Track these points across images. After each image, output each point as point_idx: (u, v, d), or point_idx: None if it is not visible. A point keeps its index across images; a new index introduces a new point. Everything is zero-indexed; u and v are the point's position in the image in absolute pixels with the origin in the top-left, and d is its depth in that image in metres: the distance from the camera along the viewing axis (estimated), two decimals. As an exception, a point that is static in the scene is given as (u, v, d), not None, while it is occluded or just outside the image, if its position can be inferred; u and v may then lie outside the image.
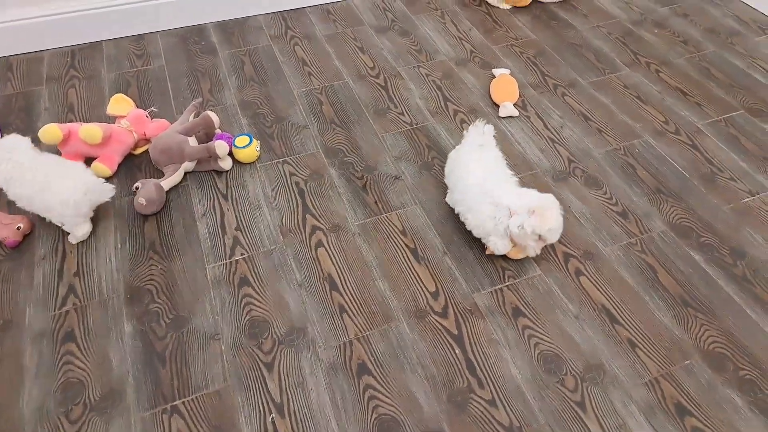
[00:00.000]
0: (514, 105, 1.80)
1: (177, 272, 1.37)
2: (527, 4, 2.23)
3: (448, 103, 1.83)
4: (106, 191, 1.39)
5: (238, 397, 1.17)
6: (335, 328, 1.28)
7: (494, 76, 1.88)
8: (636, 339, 1.27)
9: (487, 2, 2.26)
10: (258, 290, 1.34)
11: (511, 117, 1.78)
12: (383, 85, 1.89)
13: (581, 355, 1.24)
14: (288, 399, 1.17)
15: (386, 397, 1.17)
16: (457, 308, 1.32)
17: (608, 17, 2.21)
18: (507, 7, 2.24)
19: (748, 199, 1.56)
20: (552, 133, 1.74)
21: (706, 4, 2.28)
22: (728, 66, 1.98)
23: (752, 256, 1.42)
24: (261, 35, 2.08)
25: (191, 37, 2.06)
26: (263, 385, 1.19)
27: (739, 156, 1.67)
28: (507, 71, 1.89)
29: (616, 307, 1.33)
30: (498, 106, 1.80)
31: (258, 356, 1.23)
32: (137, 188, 1.47)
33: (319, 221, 1.49)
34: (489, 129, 1.48)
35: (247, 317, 1.29)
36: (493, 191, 1.33)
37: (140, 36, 2.06)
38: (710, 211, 1.53)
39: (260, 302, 1.32)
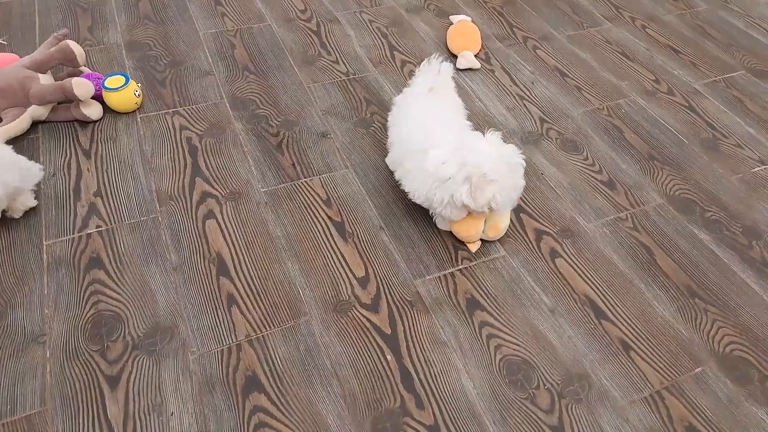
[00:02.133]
0: (476, 56, 1.47)
1: (1, 250, 0.97)
2: (492, -47, 1.92)
3: (394, 52, 1.49)
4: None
5: (58, 427, 0.78)
6: (218, 326, 0.91)
7: (452, 23, 1.55)
8: (630, 339, 0.94)
9: (445, -50, 1.94)
10: (113, 275, 0.95)
11: (471, 69, 1.45)
12: (315, 30, 1.54)
13: (558, 361, 0.90)
14: (135, 429, 0.79)
15: (283, 424, 0.80)
16: (392, 299, 0.96)
17: (585, -29, 1.91)
18: (469, -45, 1.92)
19: (759, 169, 1.26)
20: (521, 89, 1.41)
21: (692, -37, 2.01)
22: (725, 24, 1.70)
23: (772, 235, 1.12)
24: (168, -29, 1.70)
25: (78, -30, 1.67)
26: (100, 408, 0.80)
27: (745, 120, 1.38)
28: (467, 18, 1.56)
29: (603, 298, 0.99)
30: (456, 57, 1.47)
31: (99, 367, 0.84)
32: (-39, 138, 1.07)
33: (212, 186, 1.11)
34: (446, 68, 1.13)
35: (92, 312, 0.90)
36: (434, 146, 0.98)
37: (11, -35, 1.66)
38: (715, 181, 1.22)
39: (114, 291, 0.93)
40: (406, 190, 1.04)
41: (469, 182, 0.93)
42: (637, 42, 1.60)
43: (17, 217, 1.01)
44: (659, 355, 0.92)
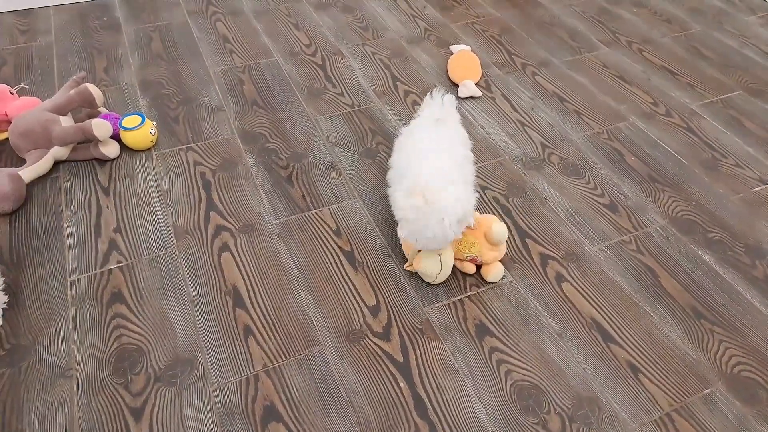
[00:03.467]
0: (476, 85, 1.51)
1: (26, 287, 1.01)
2: (490, -18, 1.98)
3: (397, 83, 1.53)
4: None
5: (85, 463, 0.81)
6: (236, 357, 0.93)
7: (452, 53, 1.60)
8: (638, 362, 0.96)
9: (445, -19, 2.01)
10: (134, 309, 0.99)
11: (472, 97, 1.49)
12: (320, 63, 1.59)
13: (568, 385, 0.92)
14: (158, 462, 0.81)
15: (300, 454, 0.83)
16: (403, 327, 0.99)
17: (581, -3, 1.97)
18: (467, -15, 1.98)
19: (759, 188, 1.28)
20: (521, 115, 1.45)
21: (686, -15, 2.07)
22: (719, 45, 1.74)
23: (774, 254, 1.14)
24: (176, 11, 1.77)
25: (92, 13, 1.73)
26: (124, 442, 0.83)
27: (743, 140, 1.41)
28: (467, 47, 1.61)
29: (610, 321, 1.02)
30: (457, 86, 1.51)
31: (124, 399, 0.87)
32: (-14, 180, 1.12)
33: (226, 219, 1.15)
34: (449, 100, 1.17)
35: (115, 345, 0.94)
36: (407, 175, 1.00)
37: (28, 11, 1.72)
38: (716, 202, 1.25)
39: (135, 325, 0.97)
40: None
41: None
42: (634, 65, 1.64)
43: None
44: (668, 377, 0.94)
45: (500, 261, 1.07)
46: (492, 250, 1.05)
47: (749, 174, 1.32)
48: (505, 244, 1.07)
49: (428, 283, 1.05)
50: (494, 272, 1.06)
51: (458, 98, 1.48)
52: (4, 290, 0.97)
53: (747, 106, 1.51)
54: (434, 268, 1.02)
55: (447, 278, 1.05)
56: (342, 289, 1.04)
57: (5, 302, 0.96)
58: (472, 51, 1.60)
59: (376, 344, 0.96)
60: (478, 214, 1.08)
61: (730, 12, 1.91)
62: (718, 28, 1.82)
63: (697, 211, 1.23)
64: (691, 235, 1.17)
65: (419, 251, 1.03)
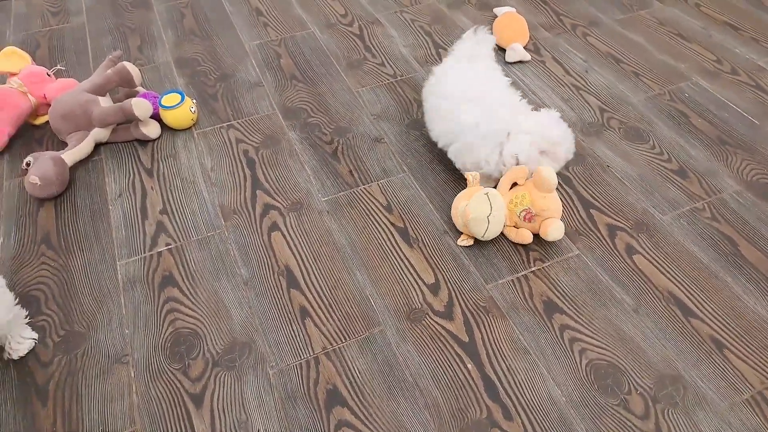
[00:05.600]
0: (525, 48, 1.43)
1: (76, 272, 0.99)
2: (531, -60, 1.86)
3: (440, 50, 1.46)
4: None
5: (149, 450, 0.79)
6: (295, 340, 0.90)
7: (496, 16, 1.51)
8: (723, 337, 0.89)
9: (482, -59, 1.90)
10: (187, 292, 0.96)
11: (521, 62, 1.40)
12: (358, 33, 1.52)
13: (648, 364, 0.86)
14: (222, 449, 0.79)
15: (368, 440, 0.79)
16: (466, 305, 0.94)
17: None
18: (507, -56, 1.87)
19: (841, 146, 1.18)
20: (575, 79, 1.36)
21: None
22: (784, -5, 1.61)
23: None
24: (208, -16, 1.71)
25: (123, -9, 1.69)
26: (187, 427, 0.80)
27: (819, 95, 1.30)
28: (512, 9, 1.51)
29: (688, 294, 0.95)
30: (504, 51, 1.43)
31: (182, 385, 0.84)
32: (28, 164, 1.09)
33: (274, 198, 1.11)
34: (487, 38, 1.11)
35: (170, 330, 0.91)
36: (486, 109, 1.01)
37: (59, -9, 1.69)
38: (795, 162, 1.15)
39: (189, 309, 0.93)
40: (459, 164, 1.07)
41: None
42: (692, 21, 1.53)
43: (22, 354, 0.87)
44: (757, 353, 0.87)
45: (563, 223, 1.00)
46: (545, 198, 0.99)
47: (829, 132, 1.21)
48: (557, 195, 1.00)
49: (489, 259, 1.00)
50: (552, 229, 0.99)
51: (507, 63, 1.40)
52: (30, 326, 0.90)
53: (821, 59, 1.39)
54: (484, 208, 0.97)
55: (500, 235, 1.01)
56: (398, 267, 0.99)
57: (34, 339, 0.90)
58: (517, 13, 1.51)
59: (438, 324, 0.91)
60: (525, 167, 1.02)
61: (794, -41, 1.77)
62: (782, -23, 1.69)
63: (775, 173, 1.14)
64: (770, 200, 1.09)
65: (468, 208, 0.98)
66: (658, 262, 0.99)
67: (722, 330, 0.90)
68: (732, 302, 0.94)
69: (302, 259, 1.00)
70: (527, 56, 1.40)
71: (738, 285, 0.96)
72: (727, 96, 1.31)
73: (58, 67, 1.32)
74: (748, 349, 0.88)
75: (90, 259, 1.01)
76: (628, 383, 0.84)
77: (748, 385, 0.84)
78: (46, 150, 1.18)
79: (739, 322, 0.91)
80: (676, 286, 0.96)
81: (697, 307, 0.93)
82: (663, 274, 0.98)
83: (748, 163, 1.16)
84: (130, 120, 1.16)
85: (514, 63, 1.40)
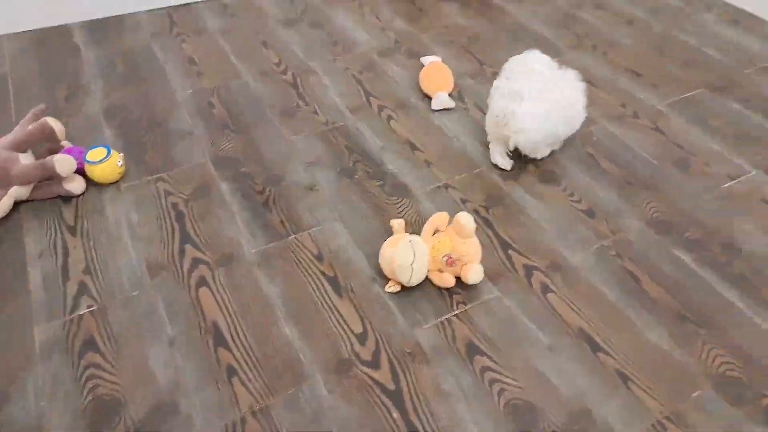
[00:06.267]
0: (449, 95, 1.51)
1: (-7, 339, 0.96)
2: (454, -10, 1.98)
3: (371, 98, 1.52)
4: None
5: None
6: (221, 399, 0.90)
7: (423, 65, 1.59)
8: (628, 371, 0.96)
9: (409, -10, 2.00)
10: (109, 356, 0.95)
11: (446, 109, 1.48)
12: (291, 82, 1.56)
13: (561, 401, 0.92)
14: None
15: (296, 496, 0.80)
16: (392, 353, 0.97)
17: (545, 1, 1.98)
18: (432, -6, 1.98)
19: (729, 184, 1.31)
20: (495, 124, 1.45)
21: (644, -15, 2.11)
22: (680, 44, 1.78)
23: (748, 251, 1.16)
24: (139, 33, 1.72)
25: (49, 39, 1.67)
26: (110, 499, 0.79)
27: (710, 137, 1.43)
28: (438, 58, 1.60)
29: (597, 330, 1.02)
30: (430, 98, 1.50)
31: (106, 454, 0.83)
32: (-57, 226, 1.06)
33: (202, 252, 1.12)
34: (536, 57, 1.32)
35: (90, 397, 0.89)
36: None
37: (-20, 40, 1.65)
38: (690, 201, 1.27)
39: (111, 374, 0.92)
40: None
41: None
42: (600, 68, 1.66)
43: None
44: (657, 384, 0.95)
45: (482, 266, 1.06)
46: (464, 243, 1.05)
47: (718, 170, 1.34)
48: (477, 239, 1.07)
49: (414, 304, 1.04)
50: (472, 273, 1.05)
51: (432, 110, 1.48)
52: None
53: (710, 103, 1.54)
54: (407, 256, 1.01)
55: (425, 280, 1.06)
56: (327, 317, 1.02)
57: None
58: (442, 62, 1.60)
59: (365, 374, 0.94)
60: (446, 214, 1.10)
61: (687, 10, 1.95)
62: (677, 26, 1.86)
63: (673, 211, 1.24)
64: (669, 237, 1.19)
65: (394, 256, 1.03)
66: (569, 300, 1.07)
67: (627, 364, 0.97)
68: (636, 336, 1.02)
69: (230, 315, 1.01)
70: (451, 104, 1.48)
71: (640, 320, 1.04)
72: (631, 139, 1.43)
73: (-23, 122, 1.29)
74: (650, 380, 0.95)
75: (4, 325, 0.98)
76: (543, 420, 0.89)
77: (650, 414, 0.91)
78: (-37, 209, 1.15)
79: (642, 355, 0.99)
80: (586, 322, 1.03)
81: (605, 343, 1.00)
82: (574, 311, 1.05)
83: (649, 202, 1.26)
84: (52, 177, 1.15)
85: (439, 110, 1.48)
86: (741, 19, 1.91)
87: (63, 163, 1.12)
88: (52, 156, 1.12)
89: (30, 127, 1.16)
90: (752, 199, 1.27)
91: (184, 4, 1.87)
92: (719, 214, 1.24)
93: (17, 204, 1.17)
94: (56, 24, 1.73)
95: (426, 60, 1.61)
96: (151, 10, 1.82)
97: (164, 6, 1.84)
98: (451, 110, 1.49)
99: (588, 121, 1.47)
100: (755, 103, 1.54)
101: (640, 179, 1.32)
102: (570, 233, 1.19)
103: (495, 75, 1.62)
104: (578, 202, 1.26)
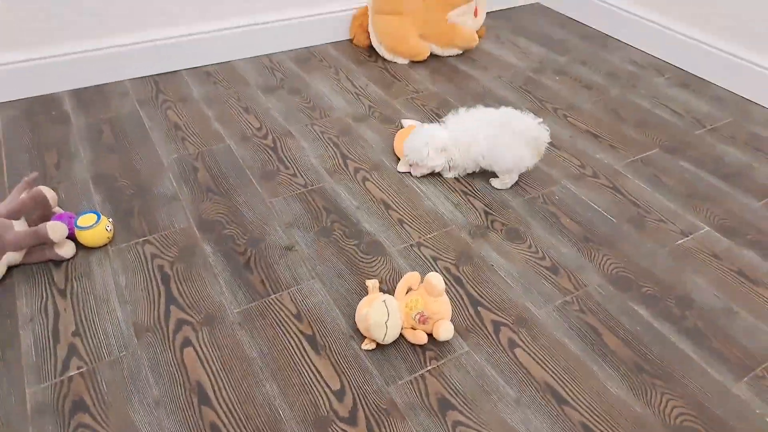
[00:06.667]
0: (419, 158, 1.61)
1: (-19, 404, 0.99)
2: (425, 58, 2.13)
3: (347, 160, 1.61)
4: None
5: None
6: (205, 458, 0.94)
7: (402, 126, 1.70)
8: (590, 422, 1.02)
9: (383, 58, 2.14)
10: (98, 417, 0.98)
11: (409, 172, 1.58)
12: (272, 145, 1.65)
13: (529, 452, 0.97)
14: None
15: None
16: (368, 409, 1.02)
17: (508, 67, 2.14)
18: (404, 61, 2.12)
19: (682, 240, 1.41)
20: (464, 185, 1.55)
21: (601, 51, 2.28)
22: (635, 107, 1.93)
23: (700, 304, 1.25)
24: (126, 101, 1.81)
25: (40, 107, 1.75)
26: None
27: (664, 195, 1.55)
28: (416, 123, 1.71)
29: (561, 384, 1.08)
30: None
31: None
32: (-66, 293, 1.10)
33: (187, 313, 1.17)
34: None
35: (79, 459, 0.92)
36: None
37: (-27, 109, 1.73)
38: (646, 257, 1.36)
39: (99, 434, 0.96)
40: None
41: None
42: (561, 130, 1.79)
43: None
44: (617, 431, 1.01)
45: (452, 324, 1.13)
46: (435, 302, 1.12)
47: (672, 228, 1.45)
48: (447, 297, 1.14)
49: (389, 360, 1.10)
50: (443, 330, 1.12)
51: (398, 172, 1.58)
52: None
53: (664, 163, 1.67)
54: (382, 314, 1.08)
55: (400, 337, 1.12)
56: (306, 375, 1.07)
57: None
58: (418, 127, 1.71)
59: (343, 430, 0.99)
60: (418, 274, 1.17)
61: (641, 75, 2.12)
62: (632, 90, 2.02)
63: (630, 267, 1.34)
64: (627, 291, 1.27)
65: (369, 315, 1.09)
66: (535, 354, 1.13)
67: (590, 415, 1.04)
68: (597, 388, 1.08)
69: (214, 375, 1.06)
70: (417, 168, 1.58)
71: (602, 372, 1.11)
72: (590, 197, 1.53)
73: (-30, 190, 1.35)
74: (610, 429, 1.01)
75: (-4, 388, 1.01)
76: (511, 473, 0.95)
77: (611, 464, 0.97)
78: (-46, 275, 1.19)
79: (604, 406, 1.05)
80: (551, 376, 1.10)
81: (569, 395, 1.07)
82: (540, 365, 1.11)
83: (608, 258, 1.36)
84: (44, 242, 1.20)
85: (404, 172, 1.57)
86: (690, 82, 2.09)
87: (55, 230, 1.17)
88: (45, 223, 1.18)
89: (23, 196, 1.22)
90: (704, 254, 1.37)
91: (170, 72, 1.97)
92: (673, 269, 1.33)
93: (10, 269, 1.21)
94: (46, 92, 1.81)
95: (405, 122, 1.72)
96: (137, 78, 1.92)
97: (150, 74, 1.94)
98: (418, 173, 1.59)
99: (550, 181, 1.58)
100: (706, 162, 1.68)
101: (599, 236, 1.41)
102: (535, 289, 1.27)
103: (465, 137, 1.73)
104: (542, 259, 1.34)
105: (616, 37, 2.39)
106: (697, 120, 1.87)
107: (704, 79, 2.11)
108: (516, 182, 1.56)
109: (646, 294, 1.27)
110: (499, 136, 1.48)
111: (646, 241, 1.41)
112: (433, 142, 1.49)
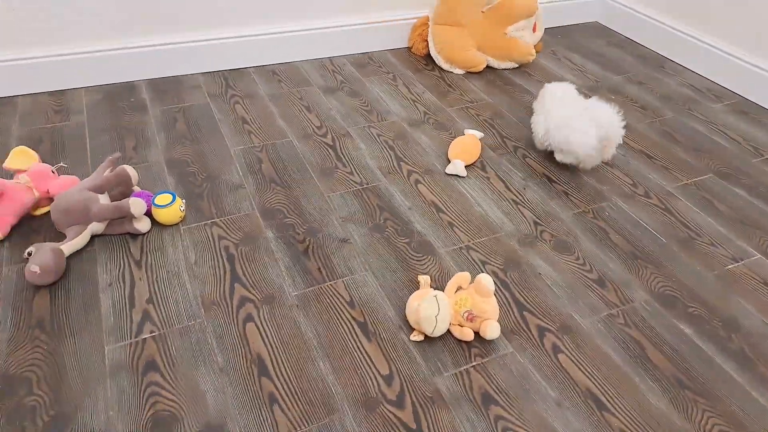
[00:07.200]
0: (472, 165, 1.66)
1: (67, 355, 1.09)
2: (481, 69, 2.18)
3: (401, 163, 1.68)
4: None
5: None
6: (262, 424, 1.01)
7: (463, 134, 1.76)
8: (629, 429, 1.05)
9: (440, 67, 2.21)
10: (168, 377, 1.07)
11: (458, 176, 1.63)
12: (331, 144, 1.74)
13: (568, 452, 1.01)
14: None
15: None
16: (415, 395, 1.08)
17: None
18: (460, 72, 2.18)
19: (732, 266, 1.42)
20: (515, 194, 1.60)
21: (658, 73, 2.29)
22: (690, 131, 1.93)
23: (747, 329, 1.26)
24: (198, 93, 1.93)
25: (120, 94, 1.88)
26: (160, 507, 0.89)
27: (716, 220, 1.56)
28: (479, 134, 1.77)
29: (603, 391, 1.11)
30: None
31: (157, 466, 0.94)
32: (30, 254, 1.21)
33: (249, 291, 1.25)
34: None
35: (151, 412, 1.01)
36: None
37: (62, 92, 1.87)
38: (694, 278, 1.38)
39: (169, 393, 1.04)
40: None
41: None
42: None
43: None
44: (656, 443, 1.03)
45: (499, 324, 1.18)
46: (484, 302, 1.17)
47: (722, 252, 1.45)
48: (495, 299, 1.19)
49: (436, 353, 1.15)
50: (490, 329, 1.16)
51: (445, 173, 1.64)
52: None
53: (717, 188, 1.67)
54: (432, 308, 1.13)
55: (446, 332, 1.17)
56: (357, 358, 1.14)
57: None
58: (480, 138, 1.76)
59: (390, 412, 1.05)
60: (468, 273, 1.23)
61: (698, 100, 2.12)
62: (688, 114, 2.02)
63: (677, 286, 1.35)
64: (673, 310, 1.29)
65: (420, 308, 1.15)
66: (578, 361, 1.17)
67: (630, 424, 1.06)
68: (639, 399, 1.11)
69: (272, 350, 1.13)
70: (463, 173, 1.63)
71: (644, 384, 1.13)
72: (640, 216, 1.55)
73: (61, 164, 1.47)
74: (650, 440, 1.04)
75: (80, 344, 1.11)
76: (550, 469, 0.98)
77: (649, 472, 0.99)
78: (44, 241, 1.30)
79: (644, 416, 1.08)
80: (593, 383, 1.13)
81: (610, 403, 1.09)
82: (582, 371, 1.15)
83: (656, 276, 1.38)
84: (125, 216, 1.31)
85: (451, 175, 1.63)
86: (749, 110, 2.07)
87: (136, 205, 1.28)
88: (126, 199, 1.29)
89: (107, 173, 1.33)
90: (754, 281, 1.38)
91: (238, 69, 2.09)
92: (722, 292, 1.34)
93: (93, 238, 1.33)
94: (126, 80, 1.95)
95: (468, 131, 1.78)
96: (209, 72, 2.04)
97: (221, 69, 2.06)
98: (476, 179, 1.64)
99: (600, 198, 1.60)
100: (760, 191, 1.67)
101: (647, 254, 1.43)
102: (581, 300, 1.30)
103: (516, 148, 1.78)
104: (589, 272, 1.37)
105: (673, 59, 2.40)
106: (753, 148, 1.86)
107: (763, 107, 2.09)
108: (567, 196, 1.60)
109: (692, 314, 1.28)
110: (573, 118, 1.62)
111: (695, 263, 1.42)
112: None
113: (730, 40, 2.19)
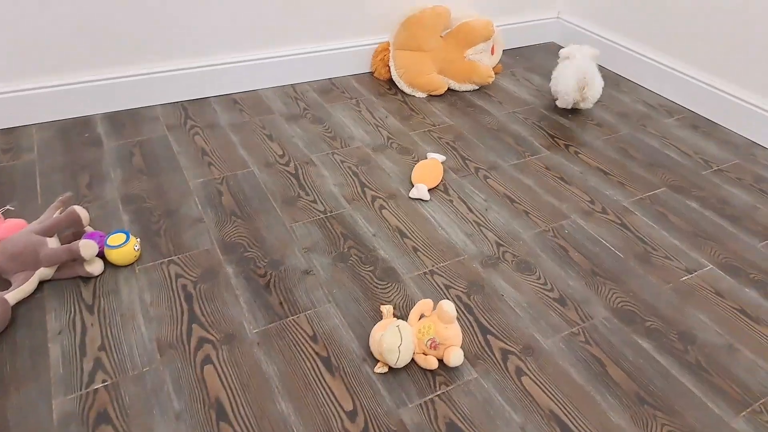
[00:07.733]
0: (435, 188, 1.67)
1: (12, 412, 1.04)
2: (442, 92, 2.21)
3: (365, 188, 1.68)
4: None
5: None
6: (222, 471, 0.98)
7: (426, 158, 1.77)
8: (594, 451, 1.06)
9: (402, 91, 2.23)
10: (121, 428, 1.03)
11: (421, 200, 1.64)
12: (293, 172, 1.73)
13: (533, 479, 1.00)
14: None
15: None
16: (379, 430, 1.06)
17: (523, 104, 2.21)
18: (423, 95, 2.21)
19: (686, 278, 1.45)
20: (477, 216, 1.61)
21: (614, 91, 2.35)
22: (644, 146, 1.98)
23: (702, 340, 1.28)
24: (156, 125, 1.90)
25: (74, 129, 1.84)
26: None
27: (670, 233, 1.60)
28: (441, 157, 1.78)
29: (566, 412, 1.12)
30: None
31: None
32: (-27, 303, 1.16)
33: (208, 331, 1.22)
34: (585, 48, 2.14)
35: (102, 467, 0.97)
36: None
37: (11, 129, 1.82)
38: (651, 292, 1.40)
39: (122, 444, 1.01)
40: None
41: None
42: (572, 167, 1.85)
43: None
44: (619, 464, 1.04)
45: (462, 351, 1.18)
46: (446, 328, 1.17)
47: (677, 265, 1.49)
48: (458, 324, 1.19)
49: (400, 384, 1.14)
50: (453, 356, 1.16)
51: (409, 198, 1.64)
52: None
53: (671, 201, 1.72)
54: (395, 339, 1.13)
55: (411, 361, 1.16)
56: (320, 395, 1.12)
57: None
58: (442, 162, 1.77)
59: (354, 449, 1.03)
60: (431, 301, 1.23)
61: (651, 115, 2.19)
62: (641, 130, 2.08)
63: (635, 301, 1.37)
64: (631, 325, 1.31)
65: (383, 339, 1.14)
66: (541, 383, 1.17)
67: (593, 444, 1.07)
68: (600, 418, 1.11)
69: (232, 392, 1.11)
70: (426, 197, 1.64)
71: (605, 402, 1.14)
72: (598, 232, 1.58)
73: (8, 207, 1.42)
74: (614, 461, 1.04)
75: (26, 398, 1.06)
76: (516, 498, 0.98)
77: (613, 494, 1.00)
78: (-9, 287, 1.26)
79: (607, 436, 1.08)
80: (556, 404, 1.13)
81: (573, 424, 1.10)
82: (545, 393, 1.15)
83: (614, 292, 1.40)
84: (76, 259, 1.27)
85: (415, 199, 1.64)
86: (699, 124, 2.14)
87: (87, 247, 1.24)
88: (77, 241, 1.25)
89: (58, 214, 1.30)
90: (707, 291, 1.41)
91: (198, 98, 2.07)
92: (677, 305, 1.37)
93: (41, 283, 1.28)
94: (80, 115, 1.91)
95: (430, 155, 1.79)
96: (168, 103, 2.02)
97: (180, 100, 2.04)
98: (438, 202, 1.65)
99: (560, 216, 1.63)
100: (712, 202, 1.72)
101: (606, 270, 1.46)
102: (542, 320, 1.31)
103: (477, 169, 1.80)
104: (550, 291, 1.39)
105: (627, 77, 2.47)
106: (704, 160, 1.92)
107: (713, 122, 2.16)
108: (528, 215, 1.62)
109: (650, 328, 1.30)
110: (564, 67, 2.09)
111: (652, 276, 1.45)
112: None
113: (680, 58, 2.27)
